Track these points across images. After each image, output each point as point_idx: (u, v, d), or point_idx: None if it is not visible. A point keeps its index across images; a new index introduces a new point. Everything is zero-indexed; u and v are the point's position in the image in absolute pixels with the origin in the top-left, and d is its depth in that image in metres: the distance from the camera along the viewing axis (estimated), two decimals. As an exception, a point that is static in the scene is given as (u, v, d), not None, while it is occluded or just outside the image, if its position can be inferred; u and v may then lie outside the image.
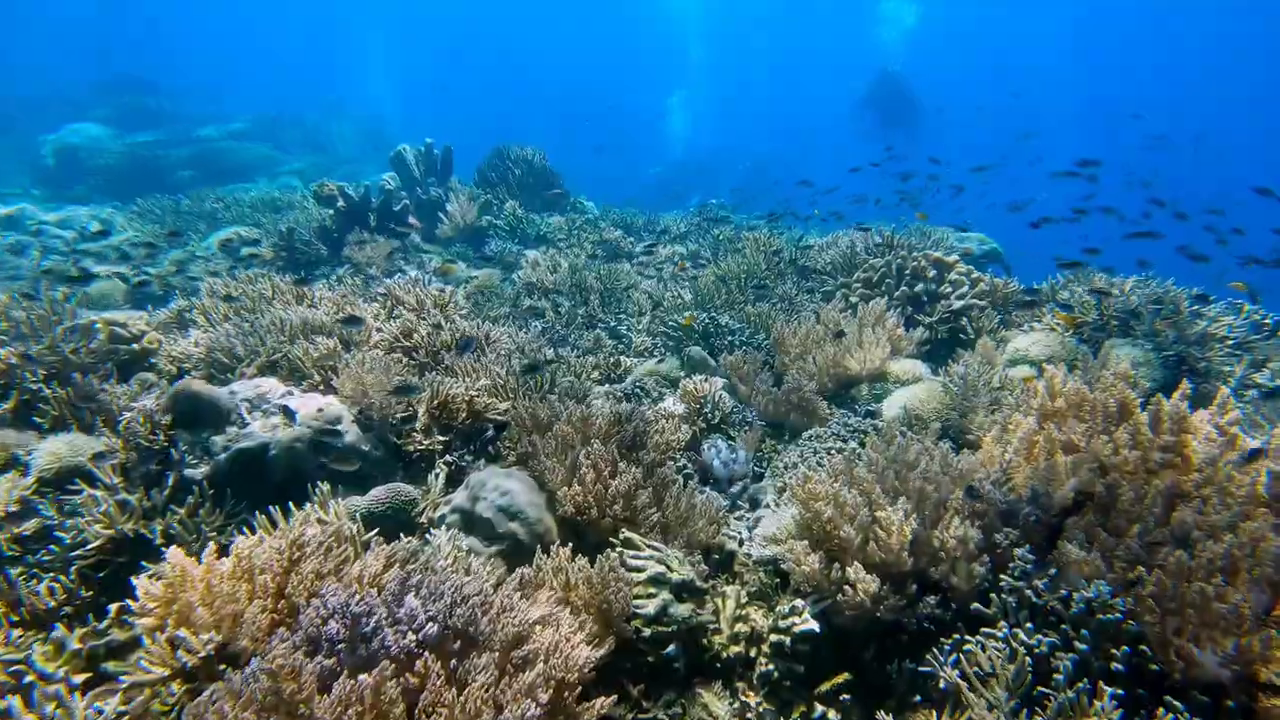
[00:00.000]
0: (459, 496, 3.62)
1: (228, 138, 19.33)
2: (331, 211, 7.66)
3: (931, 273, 6.01)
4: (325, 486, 3.25)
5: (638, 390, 5.35)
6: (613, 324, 6.58)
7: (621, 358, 6.02)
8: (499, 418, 4.17)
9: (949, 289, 5.94)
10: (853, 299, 6.22)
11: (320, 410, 3.79)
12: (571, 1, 47.08)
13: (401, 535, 3.06)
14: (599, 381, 5.62)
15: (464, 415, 4.15)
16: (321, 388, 4.16)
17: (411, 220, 8.29)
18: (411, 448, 3.99)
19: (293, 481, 3.63)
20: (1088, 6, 39.05)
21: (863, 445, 4.29)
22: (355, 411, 3.95)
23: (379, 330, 4.81)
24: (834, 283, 7.13)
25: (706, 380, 5.09)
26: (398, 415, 4.01)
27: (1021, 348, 5.18)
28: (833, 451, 4.21)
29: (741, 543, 3.76)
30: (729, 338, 5.81)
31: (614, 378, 5.75)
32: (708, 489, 4.31)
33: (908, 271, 6.10)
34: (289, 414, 3.58)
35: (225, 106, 23.28)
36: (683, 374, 5.57)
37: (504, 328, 5.55)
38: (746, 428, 4.90)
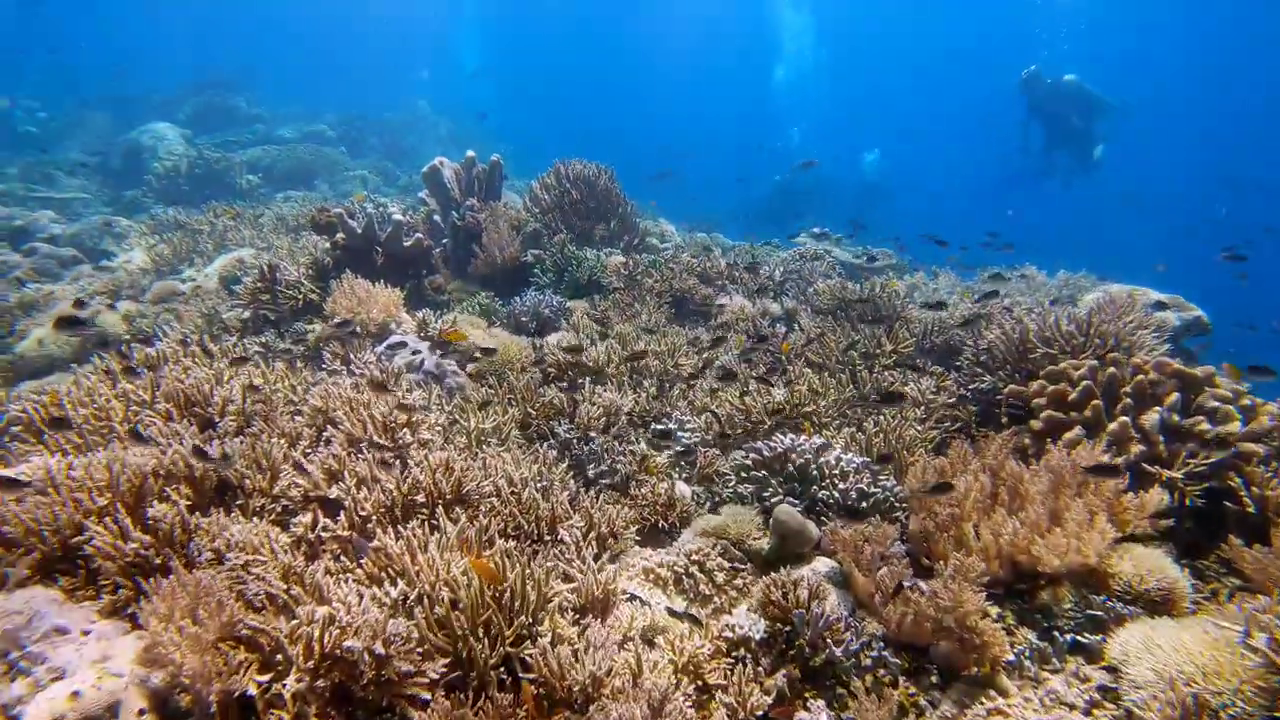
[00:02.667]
0: None
1: (303, 140, 18.51)
2: (328, 244, 6.04)
3: (1174, 395, 3.80)
4: None
5: (693, 569, 3.42)
6: (670, 427, 4.64)
7: (677, 488, 4.09)
8: (423, 691, 2.31)
9: (1202, 423, 3.72)
10: (1036, 424, 4.08)
11: (75, 695, 2.04)
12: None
13: None
14: (638, 538, 3.72)
15: (369, 677, 2.33)
16: (134, 610, 2.42)
17: (435, 262, 6.63)
18: (266, 743, 2.20)
19: None
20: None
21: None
22: (163, 680, 2.18)
23: (292, 476, 3.05)
24: (990, 379, 4.98)
25: (799, 579, 3.10)
26: (245, 685, 2.22)
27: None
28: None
29: None
30: (839, 484, 3.78)
31: (662, 528, 3.83)
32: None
33: (1128, 388, 3.91)
34: None
35: (309, 107, 22.72)
36: (765, 543, 3.59)
37: (498, 453, 3.72)
38: (869, 671, 2.91)
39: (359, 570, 2.75)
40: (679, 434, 4.61)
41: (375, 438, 3.16)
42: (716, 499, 4.17)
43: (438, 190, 7.72)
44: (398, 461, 3.10)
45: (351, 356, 4.40)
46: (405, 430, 3.23)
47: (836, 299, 6.14)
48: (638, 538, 3.67)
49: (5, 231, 8.78)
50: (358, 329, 4.91)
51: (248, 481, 2.95)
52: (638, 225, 8.17)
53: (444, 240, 7.39)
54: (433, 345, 5.01)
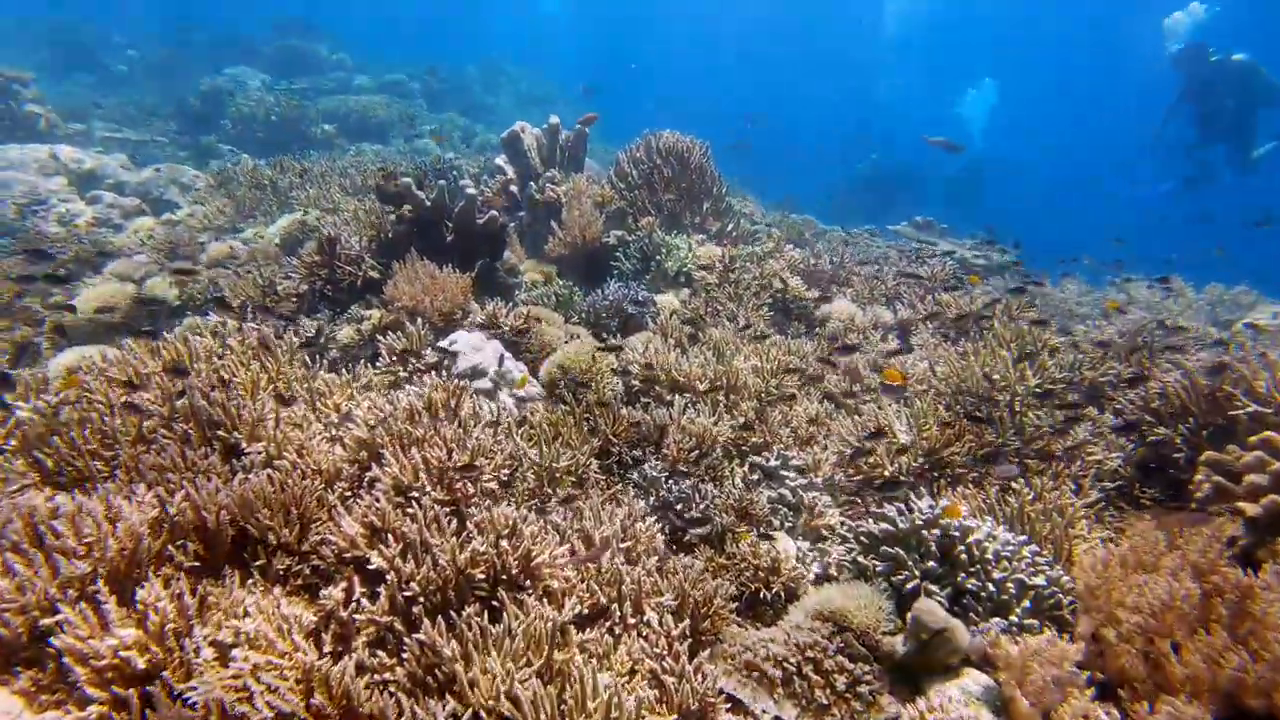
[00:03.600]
0: None
1: (380, 90, 18.13)
2: (394, 216, 5.46)
3: None
4: None
5: (806, 668, 2.73)
6: (774, 464, 3.92)
7: (781, 544, 3.41)
8: None
9: None
10: (1252, 509, 3.22)
11: None
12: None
13: None
14: (738, 610, 3.05)
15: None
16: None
17: (510, 238, 6.01)
18: None
19: None
20: None
21: None
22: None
23: (326, 529, 2.47)
24: (1164, 431, 4.09)
25: (951, 711, 2.38)
26: None
27: None
28: None
29: None
30: (994, 574, 3.02)
31: (764, 598, 3.15)
32: None
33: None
34: None
35: (390, 56, 22.33)
36: (899, 642, 2.87)
37: (572, 497, 3.08)
38: None
39: (399, 670, 2.16)
40: (783, 473, 3.90)
41: (428, 489, 2.54)
42: (827, 561, 3.47)
43: (517, 159, 7.06)
44: (454, 520, 2.48)
45: (411, 359, 3.81)
46: (465, 482, 2.61)
47: (964, 313, 5.26)
48: (739, 620, 3.01)
49: (74, 176, 8.52)
50: (421, 321, 4.32)
51: (271, 536, 2.38)
52: (733, 209, 7.34)
53: (520, 214, 6.76)
54: (503, 341, 4.40)
